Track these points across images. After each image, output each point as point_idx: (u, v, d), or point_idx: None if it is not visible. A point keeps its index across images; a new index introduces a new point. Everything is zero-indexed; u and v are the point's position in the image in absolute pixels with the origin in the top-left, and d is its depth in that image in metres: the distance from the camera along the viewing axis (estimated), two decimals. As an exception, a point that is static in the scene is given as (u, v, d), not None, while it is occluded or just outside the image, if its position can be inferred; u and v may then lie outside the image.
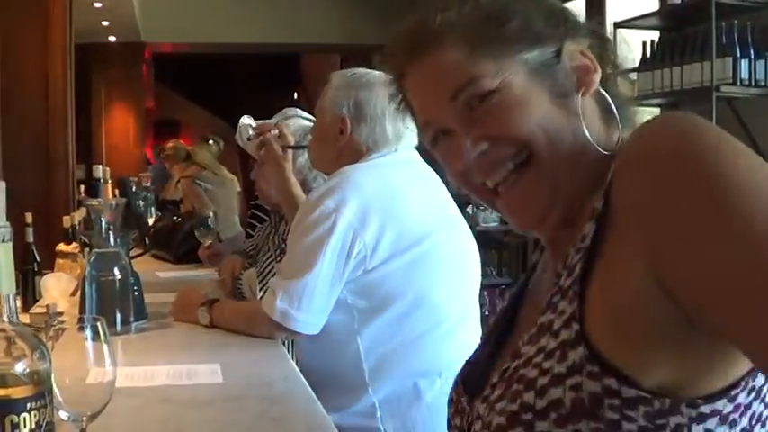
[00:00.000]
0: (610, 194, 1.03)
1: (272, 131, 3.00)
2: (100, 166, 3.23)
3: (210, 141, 7.78)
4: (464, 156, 1.16)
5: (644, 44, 5.03)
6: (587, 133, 1.14)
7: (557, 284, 1.08)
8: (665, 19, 5.12)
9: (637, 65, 5.16)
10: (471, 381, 1.26)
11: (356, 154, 2.62)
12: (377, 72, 2.64)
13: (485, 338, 1.38)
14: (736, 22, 4.39)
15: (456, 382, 1.31)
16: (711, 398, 0.96)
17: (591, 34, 1.23)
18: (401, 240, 2.44)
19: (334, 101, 2.66)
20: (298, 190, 2.93)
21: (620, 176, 1.02)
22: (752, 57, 4.39)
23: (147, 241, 4.80)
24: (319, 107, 2.74)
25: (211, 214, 4.68)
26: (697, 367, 0.97)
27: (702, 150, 0.94)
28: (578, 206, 1.13)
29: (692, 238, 0.91)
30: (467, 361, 1.36)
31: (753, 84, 4.40)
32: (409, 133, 2.59)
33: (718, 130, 0.96)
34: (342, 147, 2.63)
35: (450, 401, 1.31)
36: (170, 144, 7.96)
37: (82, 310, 2.61)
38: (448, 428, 1.31)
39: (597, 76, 1.19)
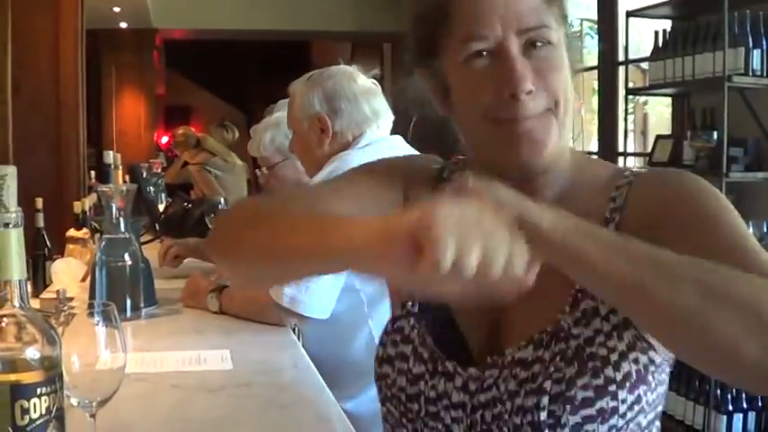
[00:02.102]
0: (624, 211, 1.30)
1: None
2: (111, 152, 3.24)
3: (226, 127, 7.79)
4: (526, 81, 1.23)
5: (656, 33, 5.00)
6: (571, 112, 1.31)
7: None
8: (678, 8, 5.09)
9: (648, 54, 5.14)
10: (439, 336, 1.35)
11: (345, 145, 2.66)
12: (332, 67, 2.75)
13: None
14: (748, 11, 4.36)
15: (417, 339, 1.36)
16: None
17: None
18: None
19: (304, 105, 2.70)
20: None
21: (642, 204, 1.28)
22: (764, 47, 4.35)
23: (157, 227, 4.80)
24: (291, 119, 2.79)
25: (222, 200, 4.68)
26: None
27: (713, 199, 1.25)
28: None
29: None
30: (410, 312, 1.39)
31: (765, 74, 4.37)
32: (384, 108, 2.68)
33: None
34: (329, 144, 2.67)
35: (403, 357, 1.36)
36: (180, 131, 7.98)
37: (92, 296, 2.62)
38: (400, 394, 1.35)
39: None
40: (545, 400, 1.22)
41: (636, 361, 1.24)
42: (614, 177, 1.35)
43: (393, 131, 2.77)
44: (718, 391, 4.38)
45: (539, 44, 1.24)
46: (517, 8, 1.24)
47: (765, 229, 4.35)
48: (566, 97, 1.27)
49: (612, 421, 1.22)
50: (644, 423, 1.27)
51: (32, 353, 1.12)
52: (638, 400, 1.24)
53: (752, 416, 4.43)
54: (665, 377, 1.29)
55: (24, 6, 5.64)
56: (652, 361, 1.25)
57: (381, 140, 2.66)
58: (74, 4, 5.92)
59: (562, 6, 1.29)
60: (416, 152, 2.70)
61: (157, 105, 11.62)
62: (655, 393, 1.26)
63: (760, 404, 4.44)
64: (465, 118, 1.33)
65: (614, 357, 1.23)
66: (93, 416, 1.36)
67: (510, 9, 1.23)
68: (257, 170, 3.87)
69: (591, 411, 1.21)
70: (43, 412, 1.10)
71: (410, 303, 1.40)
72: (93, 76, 8.61)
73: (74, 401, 1.33)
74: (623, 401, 1.22)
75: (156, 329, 2.55)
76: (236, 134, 7.89)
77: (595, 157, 1.38)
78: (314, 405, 1.90)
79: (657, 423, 1.33)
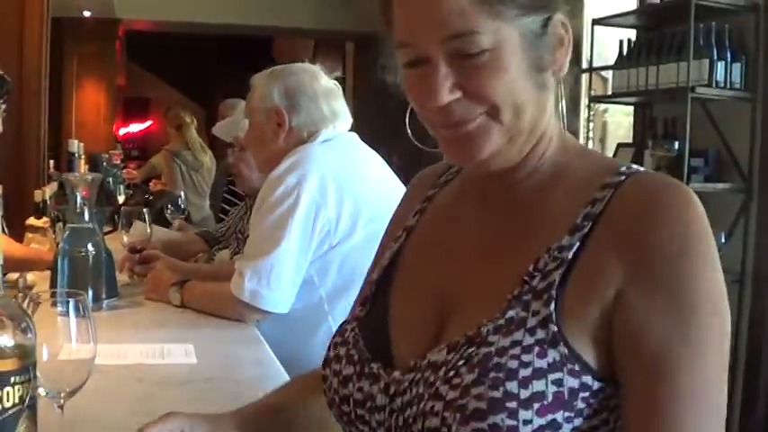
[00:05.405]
0: (599, 221, 1.16)
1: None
2: (75, 141, 3.20)
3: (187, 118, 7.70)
4: (440, 95, 1.16)
5: (620, 42, 5.04)
6: (551, 109, 1.26)
7: (527, 284, 1.16)
8: (644, 18, 5.14)
9: (610, 63, 5.18)
10: (371, 339, 1.32)
11: (299, 141, 2.66)
12: (296, 64, 2.76)
13: (372, 291, 1.42)
14: (714, 23, 4.41)
15: (352, 341, 1.33)
16: None
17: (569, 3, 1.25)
18: (361, 211, 2.49)
19: (264, 97, 2.70)
20: None
21: (620, 218, 1.15)
22: (728, 59, 4.41)
23: (116, 218, 4.76)
24: (249, 110, 2.80)
25: (183, 194, 4.67)
26: None
27: (699, 244, 1.11)
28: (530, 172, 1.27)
29: (654, 311, 1.10)
30: (356, 317, 1.39)
31: (728, 86, 4.43)
32: (343, 109, 2.72)
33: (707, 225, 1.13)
34: (284, 139, 2.67)
35: (338, 358, 1.32)
36: (174, 108, 7.88)
37: (53, 285, 2.59)
38: (333, 392, 1.31)
39: (569, 53, 1.23)
40: (439, 405, 1.14)
41: (558, 383, 1.10)
42: (604, 174, 1.21)
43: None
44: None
45: (469, 52, 1.14)
46: (439, 14, 1.14)
47: (723, 240, 4.40)
48: (512, 101, 1.17)
49: None
50: None
51: (6, 340, 1.10)
52: (552, 425, 1.09)
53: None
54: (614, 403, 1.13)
55: (-13, -9, 5.57)
56: (586, 386, 1.11)
57: (339, 137, 2.68)
58: (39, -10, 5.85)
59: (503, 3, 1.14)
60: (372, 150, 2.74)
61: (117, 97, 11.52)
62: (595, 420, 1.12)
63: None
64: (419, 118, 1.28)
65: (525, 373, 1.10)
66: (61, 407, 1.35)
67: (432, 16, 1.14)
68: (229, 149, 3.90)
69: (482, 425, 1.09)
70: (17, 401, 1.08)
71: (359, 308, 1.39)
72: (54, 64, 8.51)
73: (42, 392, 1.30)
74: (526, 422, 1.08)
75: (119, 321, 2.53)
76: (195, 121, 7.79)
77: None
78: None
79: None
